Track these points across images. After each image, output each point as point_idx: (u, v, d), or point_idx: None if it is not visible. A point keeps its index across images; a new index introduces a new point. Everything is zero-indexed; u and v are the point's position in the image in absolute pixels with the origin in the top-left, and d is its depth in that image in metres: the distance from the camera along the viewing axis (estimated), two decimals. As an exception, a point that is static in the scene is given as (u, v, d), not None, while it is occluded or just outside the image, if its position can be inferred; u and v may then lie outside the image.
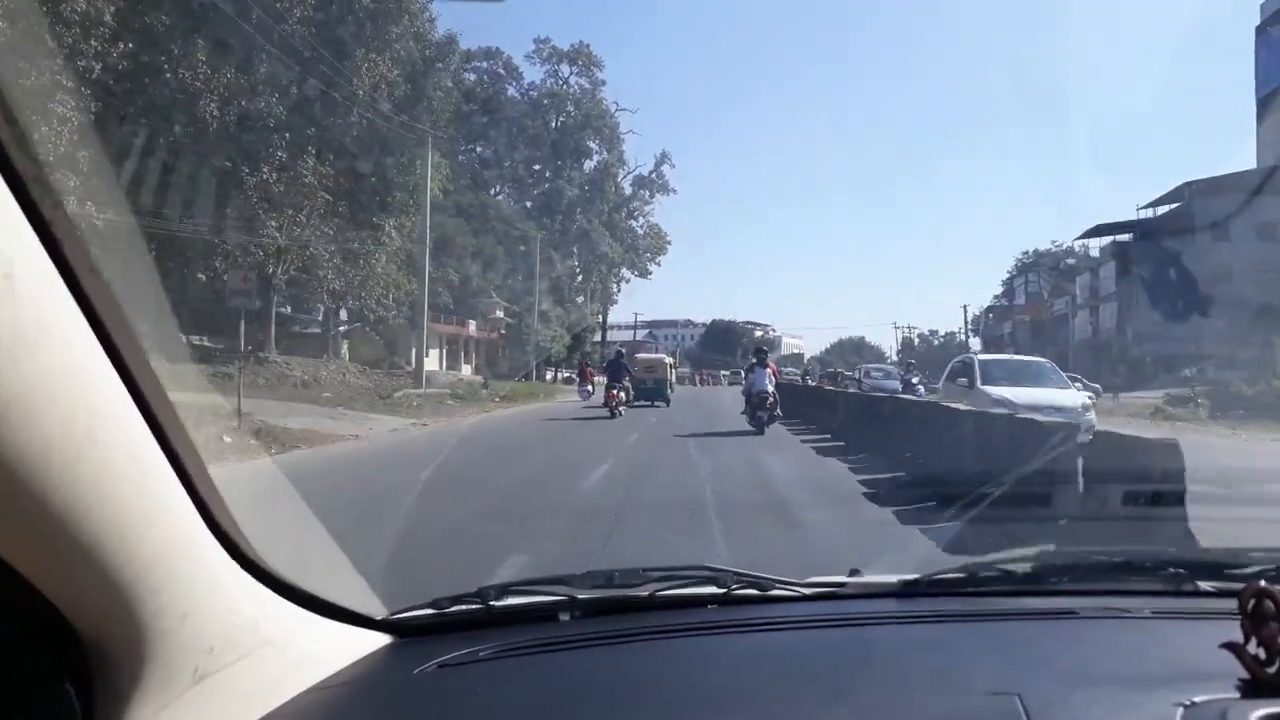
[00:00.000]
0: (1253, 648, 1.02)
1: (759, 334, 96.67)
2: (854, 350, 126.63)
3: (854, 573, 1.61)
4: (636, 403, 24.98)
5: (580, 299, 64.71)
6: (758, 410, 16.99)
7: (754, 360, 18.68)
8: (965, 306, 72.04)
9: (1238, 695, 1.00)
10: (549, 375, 54.42)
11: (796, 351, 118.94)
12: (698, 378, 67.09)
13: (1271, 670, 1.00)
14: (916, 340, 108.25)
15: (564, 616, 1.46)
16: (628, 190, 71.11)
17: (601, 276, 68.17)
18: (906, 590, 1.52)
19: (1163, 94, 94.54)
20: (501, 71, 64.80)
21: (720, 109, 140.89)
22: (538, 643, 1.35)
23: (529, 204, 64.59)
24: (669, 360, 32.80)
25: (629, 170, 70.67)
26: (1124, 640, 1.31)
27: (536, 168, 64.34)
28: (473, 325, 52.50)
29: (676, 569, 1.55)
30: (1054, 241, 66.32)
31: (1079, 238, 54.85)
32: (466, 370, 48.76)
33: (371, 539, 5.54)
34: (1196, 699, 0.99)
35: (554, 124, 66.16)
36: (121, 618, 0.91)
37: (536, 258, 51.36)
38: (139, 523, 0.89)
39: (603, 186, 65.55)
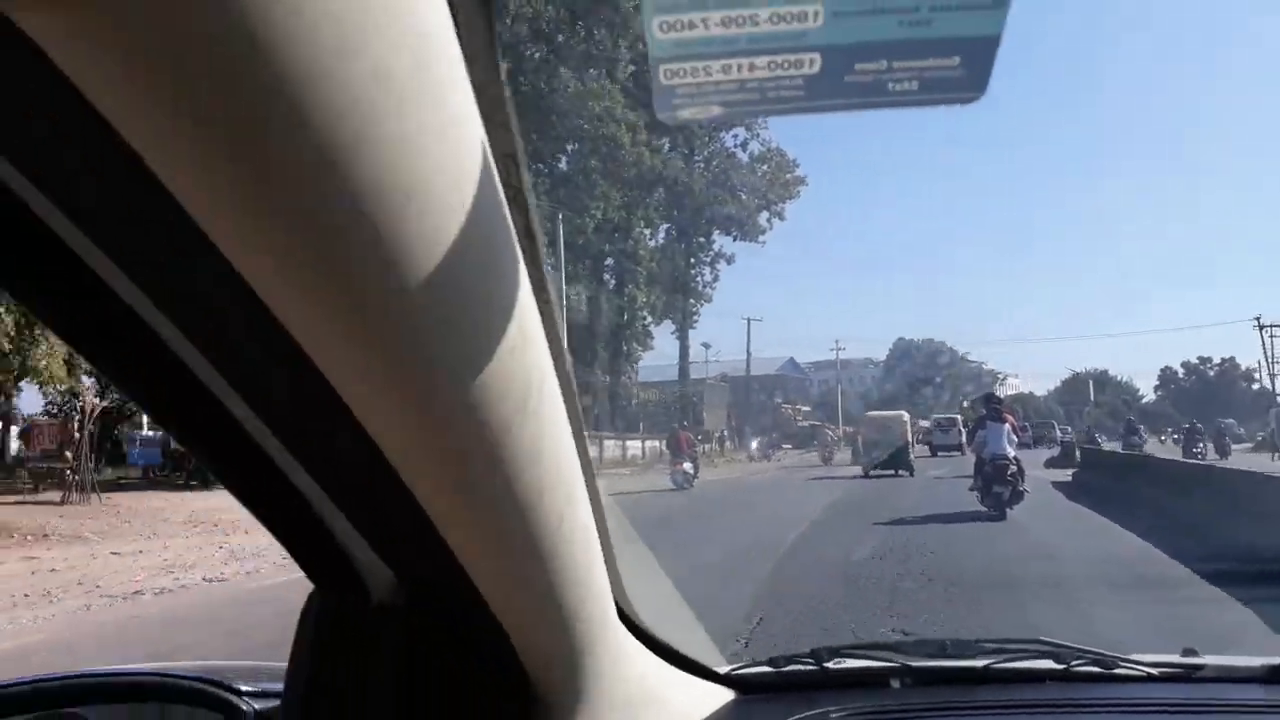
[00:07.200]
0: None
1: (973, 366, 61.85)
2: (1097, 387, 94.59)
3: (1188, 653, 1.49)
4: (876, 471, 21.94)
5: (578, 292, 32.50)
6: (993, 484, 11.82)
7: (982, 412, 14.03)
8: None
9: None
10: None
11: (1016, 391, 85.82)
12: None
13: None
14: (1182, 372, 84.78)
15: (895, 683, 1.44)
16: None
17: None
18: (1274, 676, 1.39)
19: None
20: None
21: None
22: (875, 710, 1.35)
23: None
24: (906, 417, 26.29)
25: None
26: None
27: None
28: None
29: (1010, 641, 1.51)
30: None
31: None
32: None
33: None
34: None
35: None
36: (560, 675, 0.93)
37: None
38: (580, 583, 0.88)
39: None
